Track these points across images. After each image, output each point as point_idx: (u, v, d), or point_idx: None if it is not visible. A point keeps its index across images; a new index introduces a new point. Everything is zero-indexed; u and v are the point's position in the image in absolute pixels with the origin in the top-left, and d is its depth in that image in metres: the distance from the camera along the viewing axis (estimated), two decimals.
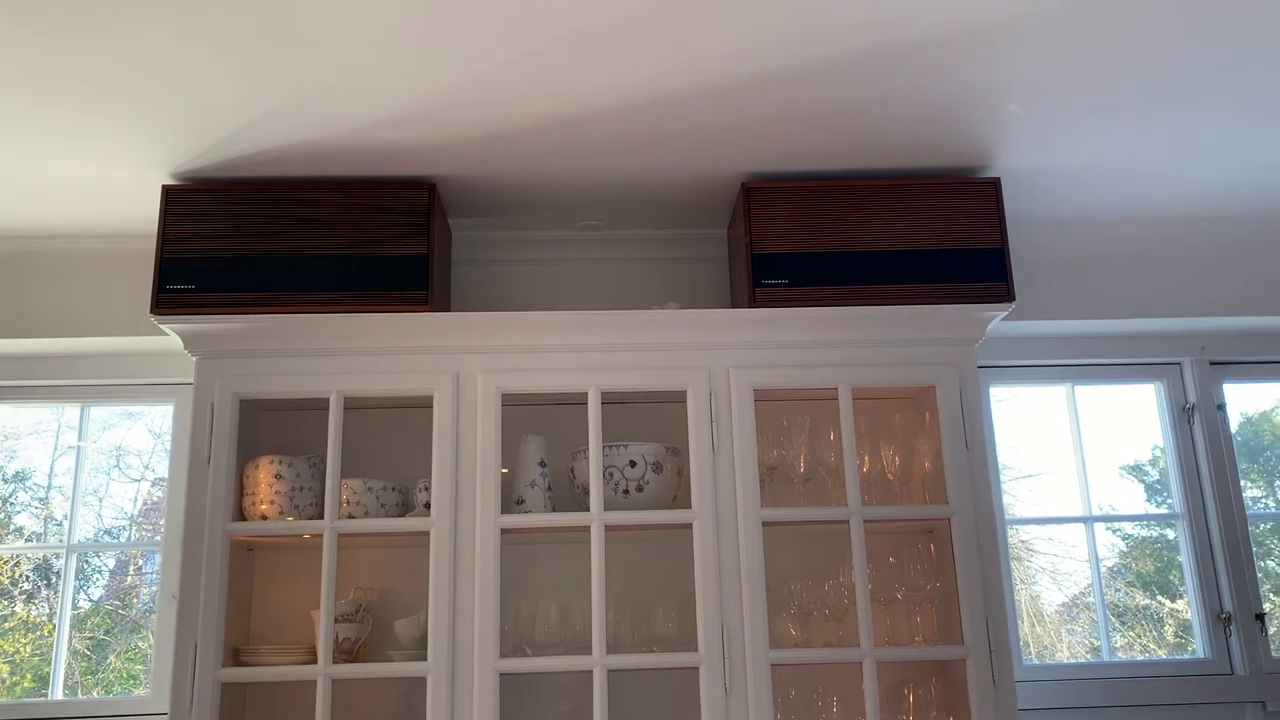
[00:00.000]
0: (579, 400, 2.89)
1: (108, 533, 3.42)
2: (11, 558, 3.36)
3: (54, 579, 3.36)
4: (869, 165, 2.99)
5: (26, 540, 3.39)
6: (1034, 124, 2.78)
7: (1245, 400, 3.53)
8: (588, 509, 2.83)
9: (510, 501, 2.92)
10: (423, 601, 2.96)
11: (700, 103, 2.64)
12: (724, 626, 2.72)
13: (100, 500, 3.41)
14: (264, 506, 2.84)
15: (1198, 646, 3.31)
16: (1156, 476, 3.52)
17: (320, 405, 2.90)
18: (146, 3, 2.17)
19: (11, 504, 3.41)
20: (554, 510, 2.97)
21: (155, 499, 3.51)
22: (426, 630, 2.78)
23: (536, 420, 3.03)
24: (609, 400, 2.93)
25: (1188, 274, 3.35)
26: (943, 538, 2.93)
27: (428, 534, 2.78)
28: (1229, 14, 2.31)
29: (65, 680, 3.21)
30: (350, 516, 2.87)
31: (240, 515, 2.85)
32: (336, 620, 2.81)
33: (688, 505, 2.82)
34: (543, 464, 2.95)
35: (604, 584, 2.75)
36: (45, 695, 3.20)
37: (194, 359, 2.86)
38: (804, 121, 2.75)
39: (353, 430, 3.04)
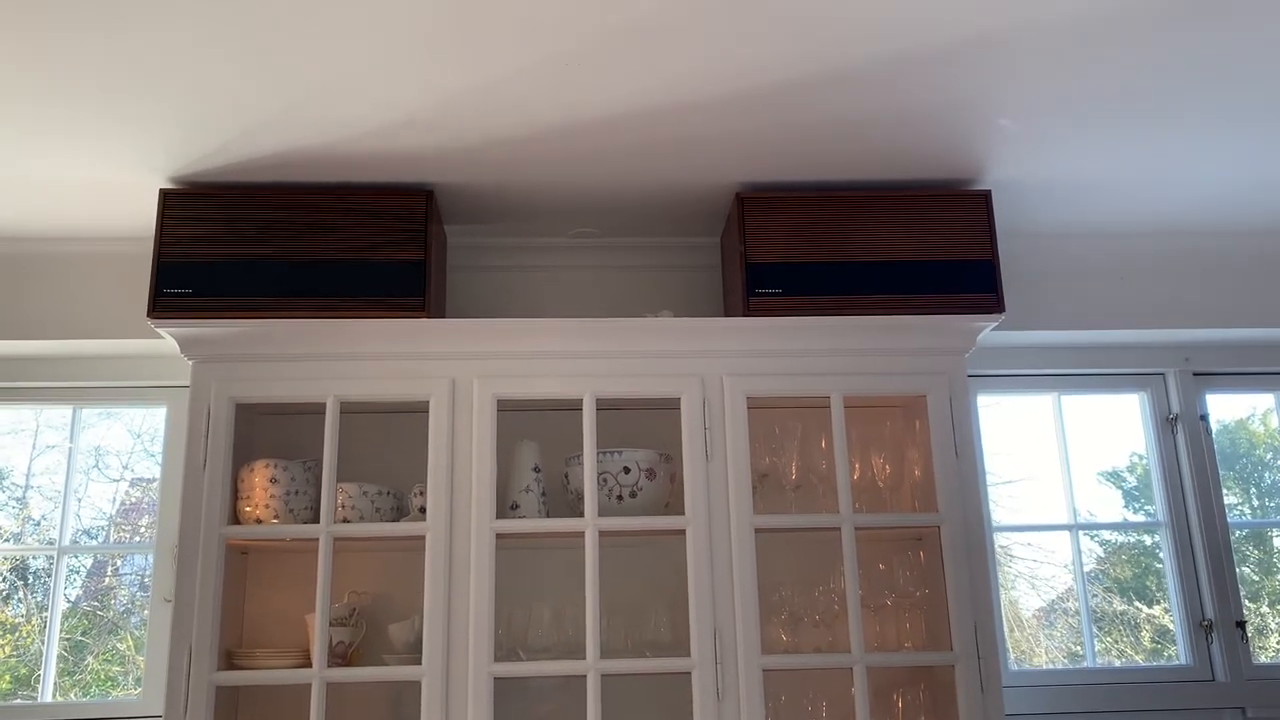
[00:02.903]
0: (574, 406, 2.91)
1: (86, 533, 3.40)
2: None
3: (31, 579, 3.34)
4: (862, 176, 3.01)
5: (4, 540, 3.36)
6: (1024, 138, 2.82)
7: (1224, 410, 3.59)
8: (581, 514, 2.84)
9: (505, 506, 2.93)
10: (416, 606, 2.97)
11: (696, 114, 2.66)
12: (716, 631, 2.74)
13: (79, 500, 3.39)
14: (259, 510, 2.84)
15: (1179, 653, 3.35)
16: (1134, 483, 3.56)
17: (315, 410, 2.89)
18: (149, 6, 2.17)
19: None
20: (548, 515, 2.98)
21: (134, 499, 3.50)
22: (420, 634, 2.79)
23: (531, 426, 3.04)
24: (603, 406, 2.94)
25: (1173, 287, 3.40)
26: (932, 545, 2.96)
27: (422, 538, 2.78)
28: (1216, 33, 2.35)
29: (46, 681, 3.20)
30: (345, 521, 2.88)
31: (234, 519, 2.84)
32: (330, 624, 2.81)
33: (681, 511, 2.84)
34: (537, 469, 2.96)
35: (598, 589, 2.76)
36: (26, 696, 3.18)
37: (190, 363, 2.85)
38: (798, 133, 2.77)
39: (348, 435, 3.04)
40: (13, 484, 3.41)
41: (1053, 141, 2.84)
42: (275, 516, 2.84)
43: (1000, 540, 3.44)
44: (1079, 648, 3.41)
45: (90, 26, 2.23)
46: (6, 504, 3.40)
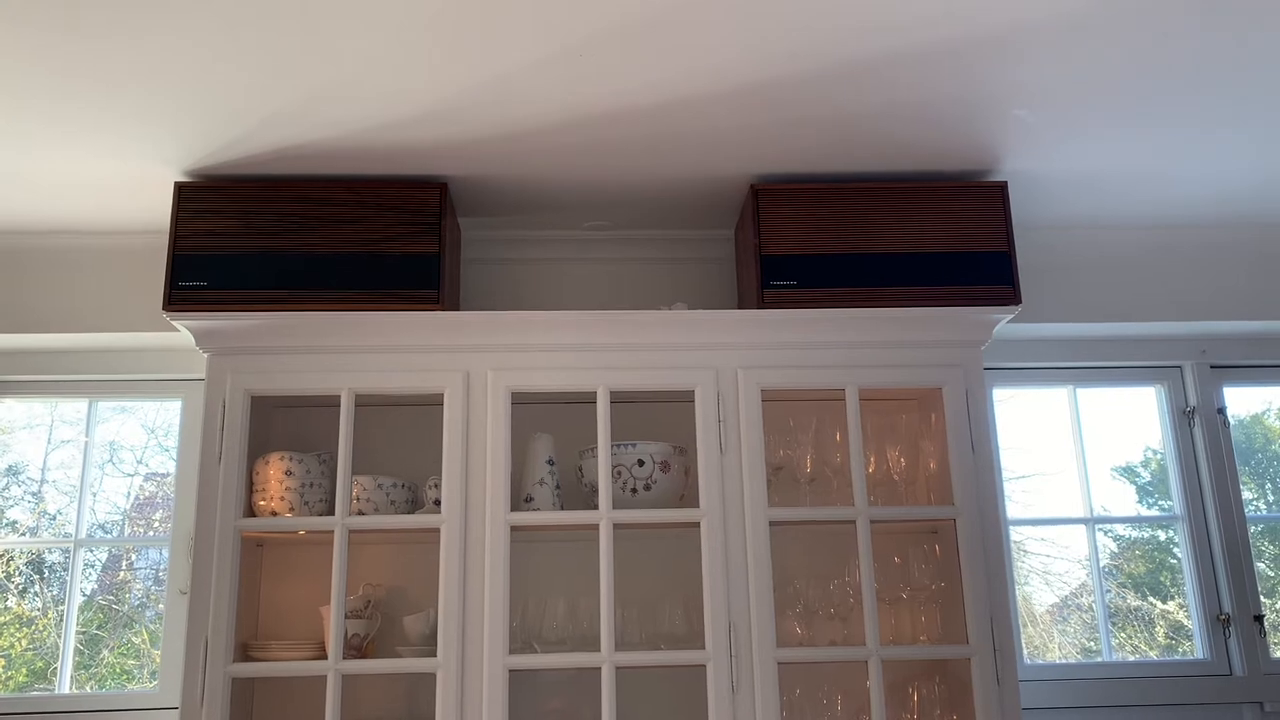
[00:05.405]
0: (587, 399, 2.90)
1: (101, 527, 3.41)
2: (4, 552, 3.35)
3: (47, 573, 3.35)
4: (878, 168, 3.00)
5: (20, 534, 3.37)
6: (1041, 129, 2.81)
7: (1241, 403, 3.57)
8: (596, 507, 2.84)
9: (519, 499, 2.93)
10: (430, 598, 2.97)
11: (710, 105, 2.65)
12: (731, 624, 2.73)
13: (94, 495, 3.40)
14: (274, 503, 2.84)
15: (1196, 647, 3.34)
16: (1148, 478, 3.55)
17: (330, 403, 2.90)
18: (164, 1, 2.18)
19: (4, 498, 3.39)
20: (562, 508, 2.98)
21: (148, 494, 3.50)
22: (435, 627, 2.80)
23: (545, 419, 3.05)
24: (617, 399, 2.94)
25: (1190, 278, 3.39)
26: (947, 538, 2.95)
27: (437, 531, 2.78)
28: (1235, 23, 2.34)
29: (63, 674, 3.21)
30: (360, 513, 2.88)
31: (250, 511, 2.85)
32: (346, 616, 2.81)
33: (695, 504, 2.84)
34: (551, 462, 2.96)
35: (612, 582, 2.75)
36: (43, 689, 3.19)
37: (205, 356, 2.86)
38: (813, 125, 2.77)
39: (363, 427, 3.05)
40: (29, 478, 3.42)
41: (1069, 133, 2.83)
42: (290, 509, 2.84)
43: (1014, 535, 3.43)
44: (1093, 643, 3.40)
45: (108, 20, 2.23)
46: (23, 498, 3.41)
